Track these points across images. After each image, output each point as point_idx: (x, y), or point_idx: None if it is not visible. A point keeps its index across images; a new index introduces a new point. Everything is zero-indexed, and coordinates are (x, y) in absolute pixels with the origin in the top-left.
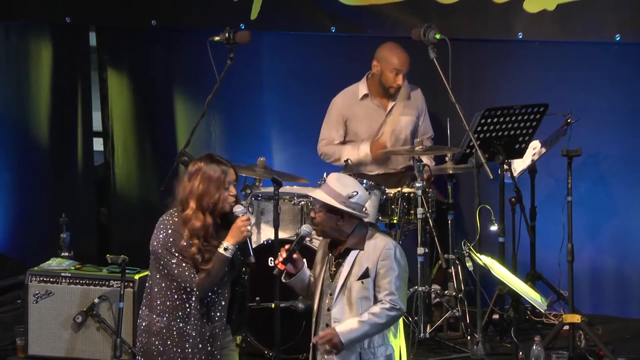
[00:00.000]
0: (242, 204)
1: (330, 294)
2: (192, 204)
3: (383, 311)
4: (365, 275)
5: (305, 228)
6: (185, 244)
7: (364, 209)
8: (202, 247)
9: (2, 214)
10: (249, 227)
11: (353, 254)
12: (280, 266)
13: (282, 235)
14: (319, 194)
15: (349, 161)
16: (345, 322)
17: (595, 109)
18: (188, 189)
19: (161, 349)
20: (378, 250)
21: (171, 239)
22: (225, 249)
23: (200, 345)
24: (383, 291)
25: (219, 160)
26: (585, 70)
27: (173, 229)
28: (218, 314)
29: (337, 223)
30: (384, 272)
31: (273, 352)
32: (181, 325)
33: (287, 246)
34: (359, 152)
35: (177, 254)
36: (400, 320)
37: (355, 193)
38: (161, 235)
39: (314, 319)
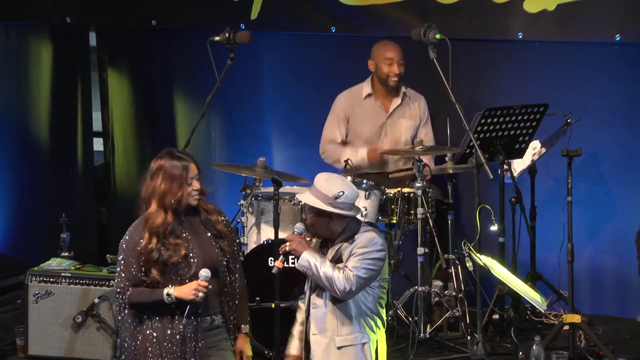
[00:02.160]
0: (208, 271)
1: (316, 287)
2: (154, 204)
3: (339, 275)
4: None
5: (300, 225)
6: (144, 244)
7: (354, 207)
8: (161, 246)
9: (2, 214)
10: (200, 294)
11: (338, 245)
12: (279, 264)
13: (282, 235)
14: (306, 197)
15: (349, 161)
16: (320, 255)
17: (595, 109)
18: (150, 189)
19: (146, 348)
20: (361, 241)
21: (124, 245)
22: (168, 295)
23: (162, 346)
24: (349, 265)
25: (180, 156)
26: (585, 70)
27: (131, 233)
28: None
29: (328, 224)
30: (358, 253)
31: (273, 352)
32: (152, 324)
33: (284, 245)
34: (357, 155)
35: (122, 260)
36: (379, 321)
37: (341, 193)
38: (123, 237)
39: (304, 314)
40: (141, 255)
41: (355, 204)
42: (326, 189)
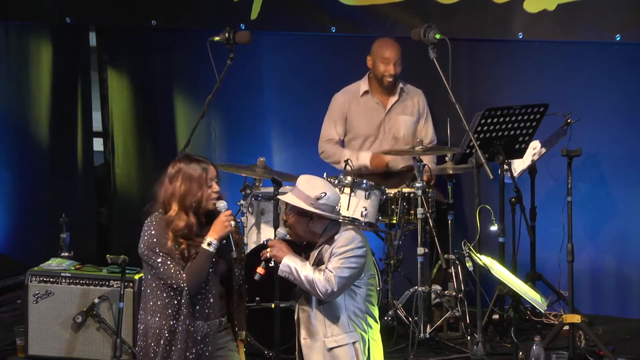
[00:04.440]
0: (223, 199)
1: (303, 292)
2: (175, 206)
3: (319, 277)
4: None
5: (281, 230)
6: (170, 244)
7: (335, 211)
8: (188, 246)
9: (2, 214)
10: (232, 222)
11: (319, 248)
12: (261, 271)
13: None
14: (288, 197)
15: (349, 162)
16: (300, 259)
17: (595, 109)
18: (170, 191)
19: (157, 349)
20: (340, 240)
21: (155, 239)
22: (209, 244)
23: (190, 344)
24: (330, 266)
25: (198, 159)
26: (585, 70)
27: (156, 229)
28: (206, 312)
29: (308, 225)
30: (338, 253)
31: (273, 352)
32: (172, 323)
33: (265, 251)
34: (357, 160)
35: (161, 253)
36: (370, 319)
37: (323, 194)
38: (145, 237)
39: (295, 317)
40: (171, 252)
41: (357, 205)
42: (308, 190)
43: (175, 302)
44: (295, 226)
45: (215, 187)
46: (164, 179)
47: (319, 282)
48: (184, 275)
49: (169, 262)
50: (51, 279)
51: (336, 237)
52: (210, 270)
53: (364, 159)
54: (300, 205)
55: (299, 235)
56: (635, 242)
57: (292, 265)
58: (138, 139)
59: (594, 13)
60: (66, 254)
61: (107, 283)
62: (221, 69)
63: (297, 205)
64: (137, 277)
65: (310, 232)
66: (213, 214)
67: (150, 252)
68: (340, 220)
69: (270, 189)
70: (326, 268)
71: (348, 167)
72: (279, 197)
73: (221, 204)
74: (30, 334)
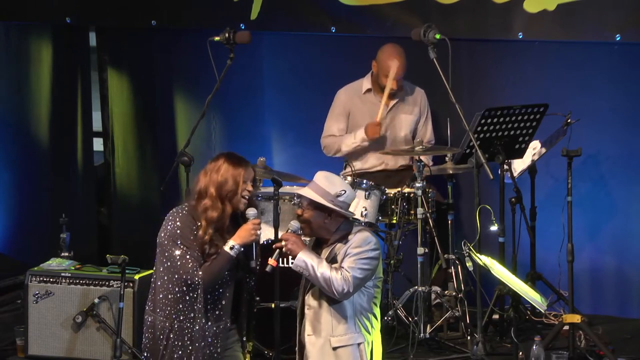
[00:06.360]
0: (255, 208)
1: (310, 287)
2: (212, 192)
3: (336, 276)
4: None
5: (294, 223)
6: (196, 233)
7: (350, 208)
8: (211, 241)
9: (2, 214)
10: (258, 232)
11: (332, 246)
12: (273, 262)
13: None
14: (308, 192)
15: (349, 162)
16: (316, 256)
17: (595, 109)
18: (207, 179)
19: (165, 343)
20: (355, 240)
21: (178, 231)
22: (231, 248)
23: (202, 343)
24: (345, 265)
25: (240, 157)
26: (585, 70)
27: (182, 221)
28: (218, 313)
29: (325, 221)
30: (353, 253)
31: (273, 352)
32: (182, 319)
33: (278, 244)
34: (355, 137)
35: (182, 246)
36: (374, 320)
37: (343, 192)
38: (169, 227)
39: (298, 312)
40: (196, 242)
41: (357, 205)
42: (328, 187)
43: (187, 299)
44: (312, 221)
45: (250, 187)
46: (201, 172)
47: (336, 280)
48: (200, 272)
49: (187, 257)
50: (51, 279)
51: (350, 236)
52: (227, 274)
53: (360, 134)
54: (322, 202)
55: (313, 231)
56: (635, 242)
57: (309, 261)
58: (138, 139)
59: (594, 13)
60: (66, 254)
61: (107, 283)
62: (221, 69)
63: (318, 201)
64: (137, 277)
65: (325, 229)
66: (238, 220)
67: (170, 242)
68: (354, 220)
69: (270, 189)
70: (341, 267)
71: (348, 168)
72: (297, 192)
73: (251, 212)
74: (30, 334)
